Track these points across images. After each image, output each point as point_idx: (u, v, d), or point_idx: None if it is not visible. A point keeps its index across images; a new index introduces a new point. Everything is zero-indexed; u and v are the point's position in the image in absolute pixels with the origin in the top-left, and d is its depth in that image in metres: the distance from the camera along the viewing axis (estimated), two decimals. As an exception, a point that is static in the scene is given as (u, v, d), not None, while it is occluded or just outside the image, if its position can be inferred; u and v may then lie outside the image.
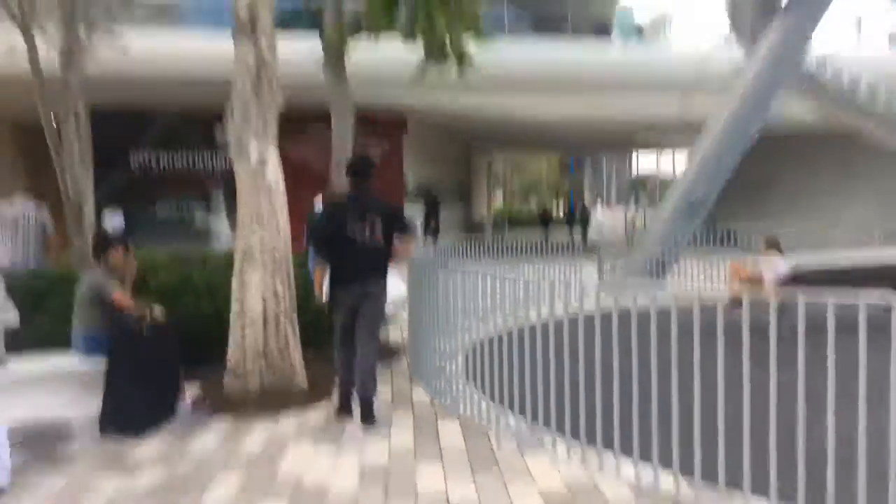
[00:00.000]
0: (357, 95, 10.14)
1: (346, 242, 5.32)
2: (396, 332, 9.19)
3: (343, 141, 9.53)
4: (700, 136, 13.12)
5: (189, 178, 20.39)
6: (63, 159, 8.80)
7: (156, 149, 20.23)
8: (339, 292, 5.36)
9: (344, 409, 5.50)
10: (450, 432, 5.09)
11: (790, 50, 12.86)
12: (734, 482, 3.59)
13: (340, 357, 5.54)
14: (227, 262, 9.81)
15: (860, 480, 3.11)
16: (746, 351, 3.46)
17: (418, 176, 23.36)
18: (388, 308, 6.21)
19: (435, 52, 9.23)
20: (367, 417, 5.30)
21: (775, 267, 8.89)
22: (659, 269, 12.42)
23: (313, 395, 6.03)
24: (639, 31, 23.81)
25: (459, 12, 8.99)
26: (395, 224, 5.46)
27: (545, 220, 33.40)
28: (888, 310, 3.12)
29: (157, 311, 5.64)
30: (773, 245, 9.31)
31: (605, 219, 25.49)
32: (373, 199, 5.47)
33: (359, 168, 5.52)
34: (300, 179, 15.13)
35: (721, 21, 30.86)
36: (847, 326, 3.26)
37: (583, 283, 4.42)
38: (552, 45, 20.37)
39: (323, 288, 5.50)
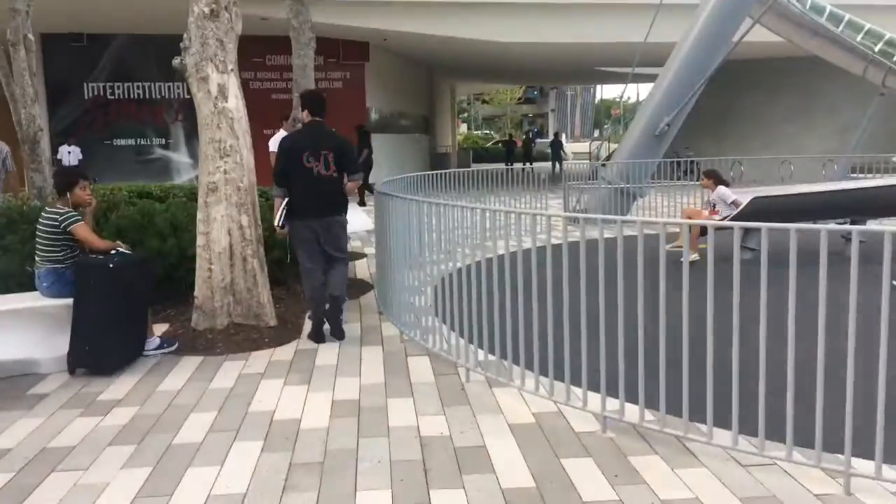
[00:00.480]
0: (318, 19, 9.86)
1: (304, 174, 5.65)
2: (364, 266, 9.19)
3: (304, 69, 9.27)
4: (665, 65, 13.05)
5: (146, 108, 19.82)
6: (14, 89, 8.46)
7: (111, 78, 19.53)
8: (300, 222, 5.69)
9: (317, 336, 5.87)
10: (420, 367, 5.15)
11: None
12: (699, 416, 3.70)
13: (308, 286, 5.87)
14: (190, 195, 9.65)
15: (818, 410, 3.22)
16: (710, 283, 3.51)
17: (381, 106, 23.00)
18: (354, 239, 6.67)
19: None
20: (338, 333, 5.87)
21: (724, 197, 9.02)
22: (625, 202, 12.50)
23: (283, 332, 6.04)
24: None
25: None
26: (345, 160, 5.78)
27: (510, 148, 33.34)
28: (847, 237, 3.17)
29: (123, 246, 5.56)
30: (713, 176, 9.38)
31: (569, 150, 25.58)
32: (326, 134, 5.80)
33: (311, 104, 5.82)
34: (265, 108, 14.82)
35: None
36: (806, 256, 3.33)
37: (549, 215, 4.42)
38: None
39: (280, 214, 5.72)
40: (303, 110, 5.85)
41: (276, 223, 5.73)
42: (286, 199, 5.69)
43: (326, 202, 5.69)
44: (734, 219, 8.37)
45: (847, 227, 3.44)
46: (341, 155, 5.73)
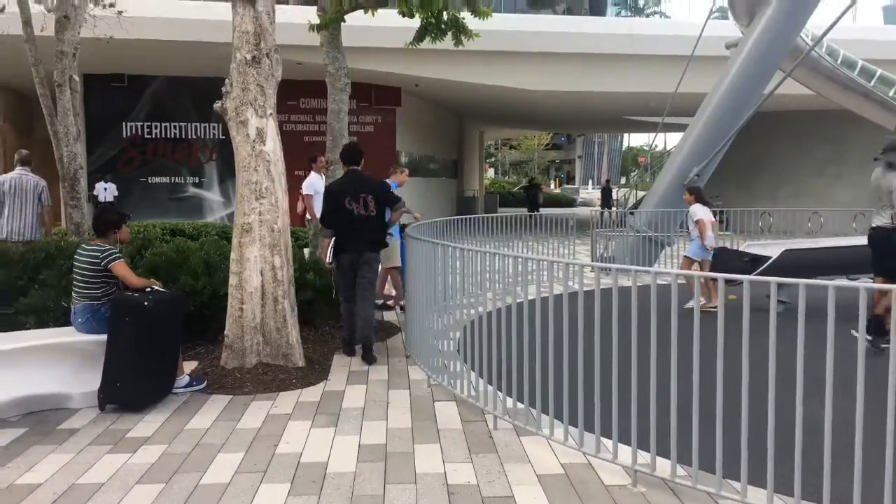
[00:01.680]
0: (352, 64, 10.03)
1: (346, 216, 6.59)
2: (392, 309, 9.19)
3: (338, 114, 9.41)
4: (695, 115, 13.07)
5: (181, 147, 20.19)
6: (58, 127, 8.69)
7: (149, 118, 19.95)
8: (342, 256, 6.62)
9: (348, 352, 6.74)
10: (447, 413, 5.11)
11: (787, 27, 12.77)
12: (733, 472, 3.62)
13: (344, 311, 6.80)
14: (221, 234, 9.77)
15: (856, 469, 3.14)
16: (746, 338, 3.46)
17: (410, 149, 23.25)
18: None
19: (431, 28, 9.12)
20: (368, 358, 6.52)
21: (693, 214, 9.26)
22: (653, 250, 12.42)
23: (311, 373, 6.04)
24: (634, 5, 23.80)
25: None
26: (384, 199, 6.73)
27: (532, 194, 32.57)
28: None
29: (158, 283, 5.63)
30: (695, 192, 9.55)
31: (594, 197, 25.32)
32: (365, 180, 6.78)
33: (350, 156, 6.86)
34: (298, 150, 15.01)
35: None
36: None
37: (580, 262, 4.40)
38: (547, 19, 20.22)
39: (328, 252, 6.75)
40: (342, 161, 6.97)
41: (326, 261, 6.79)
42: (333, 238, 6.68)
43: (365, 239, 6.59)
44: (766, 272, 8.28)
45: (888, 286, 3.39)
46: (380, 197, 6.68)
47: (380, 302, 8.10)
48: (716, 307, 3.60)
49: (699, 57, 15.16)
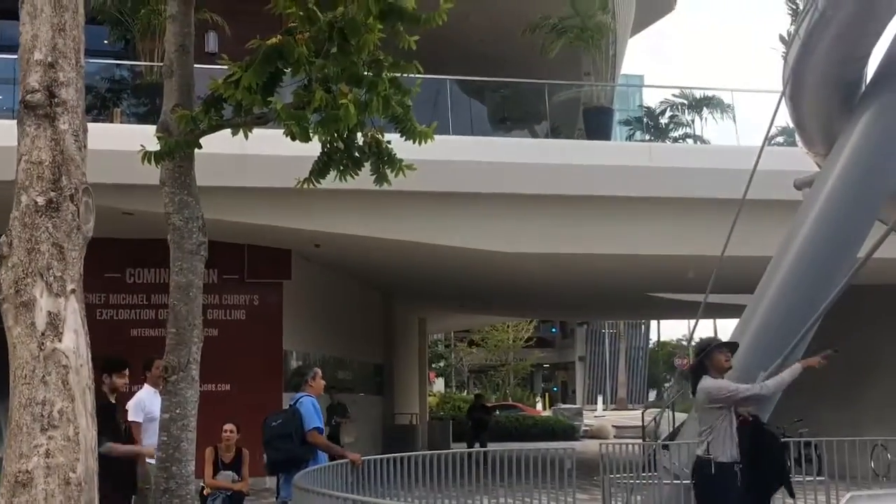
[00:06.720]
0: (213, 214, 10.18)
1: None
2: None
3: (188, 291, 9.35)
4: (754, 292, 13.37)
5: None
6: None
7: None
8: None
9: None
10: None
11: (887, 153, 13.11)
12: None
13: None
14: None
15: None
16: None
17: (305, 349, 23.06)
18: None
19: (338, 156, 9.24)
20: None
21: None
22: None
23: None
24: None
25: (378, 92, 8.68)
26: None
27: (479, 418, 32.45)
28: None
29: None
30: None
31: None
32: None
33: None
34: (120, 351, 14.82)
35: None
36: None
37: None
38: (521, 144, 20.88)
39: None
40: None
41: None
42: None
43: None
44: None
45: None
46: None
47: None
48: None
49: (755, 201, 15.64)
